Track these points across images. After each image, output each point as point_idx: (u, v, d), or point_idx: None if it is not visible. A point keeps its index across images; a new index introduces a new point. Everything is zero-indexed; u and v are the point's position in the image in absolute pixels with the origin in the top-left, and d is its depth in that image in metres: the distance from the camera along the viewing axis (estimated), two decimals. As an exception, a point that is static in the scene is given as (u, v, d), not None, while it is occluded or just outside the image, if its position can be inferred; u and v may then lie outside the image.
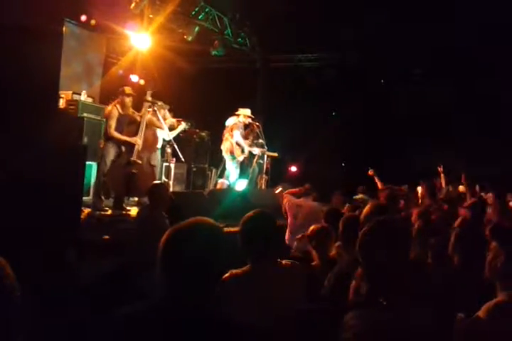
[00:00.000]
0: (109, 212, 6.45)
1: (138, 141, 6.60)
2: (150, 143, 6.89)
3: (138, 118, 6.77)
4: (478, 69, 10.99)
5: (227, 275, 2.28)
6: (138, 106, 7.05)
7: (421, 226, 3.29)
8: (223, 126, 9.14)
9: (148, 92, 6.93)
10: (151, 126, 7.58)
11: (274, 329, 2.12)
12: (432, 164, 8.98)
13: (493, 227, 3.33)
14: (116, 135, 6.55)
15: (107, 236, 4.36)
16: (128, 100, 6.71)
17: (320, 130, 12.34)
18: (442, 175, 8.15)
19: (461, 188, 7.87)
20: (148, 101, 6.85)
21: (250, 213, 2.52)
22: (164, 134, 7.78)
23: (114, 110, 6.60)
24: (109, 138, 6.56)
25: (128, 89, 6.78)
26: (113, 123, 6.52)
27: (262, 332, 1.55)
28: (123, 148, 6.60)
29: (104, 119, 6.80)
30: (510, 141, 10.90)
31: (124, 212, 6.44)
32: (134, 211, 6.18)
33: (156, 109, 7.71)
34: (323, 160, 12.30)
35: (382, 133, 12.56)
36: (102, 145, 6.67)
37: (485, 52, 10.40)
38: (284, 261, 2.46)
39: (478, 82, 11.30)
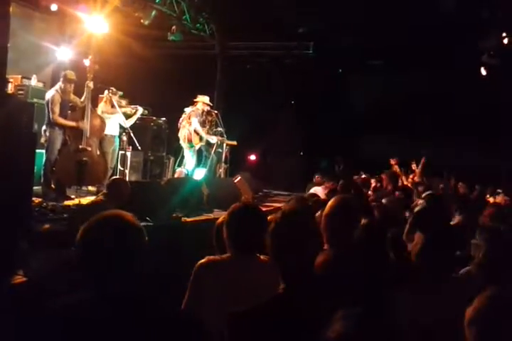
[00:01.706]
0: (69, 201, 6.23)
1: (85, 125, 6.38)
2: (98, 129, 6.69)
3: (79, 104, 6.54)
4: (437, 61, 11.23)
5: (204, 260, 2.32)
6: (93, 92, 6.85)
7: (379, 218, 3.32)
8: (181, 114, 8.99)
9: (89, 76, 6.67)
10: (105, 113, 7.38)
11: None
12: (386, 153, 9.17)
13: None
14: (61, 121, 6.33)
15: (47, 226, 4.20)
16: (69, 86, 6.47)
17: (279, 118, 12.35)
18: (396, 166, 8.35)
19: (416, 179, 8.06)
20: (89, 87, 6.60)
21: (238, 204, 2.50)
22: (121, 121, 7.58)
23: (56, 95, 6.35)
24: (53, 124, 6.31)
25: (70, 74, 6.52)
26: (56, 108, 6.30)
27: (195, 324, 1.54)
28: (68, 136, 6.38)
29: (46, 104, 6.51)
30: (466, 133, 11.26)
31: (69, 202, 6.22)
32: (84, 200, 5.96)
33: (110, 95, 7.51)
34: (282, 149, 12.35)
35: (339, 122, 12.71)
36: (47, 133, 6.40)
37: (445, 43, 10.62)
38: (262, 256, 2.44)
39: (435, 73, 11.57)
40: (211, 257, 2.37)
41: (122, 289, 1.46)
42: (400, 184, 7.68)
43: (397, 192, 6.21)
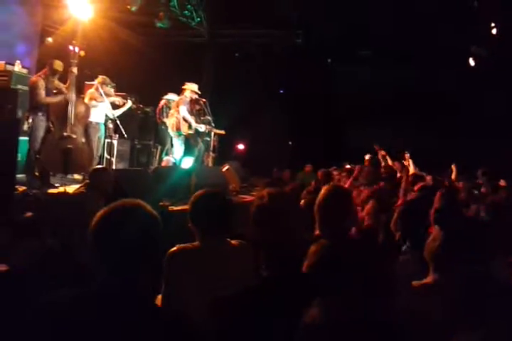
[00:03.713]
0: (53, 189, 6.14)
1: (70, 111, 6.27)
2: (82, 115, 6.58)
3: (64, 90, 6.41)
4: (425, 51, 11.21)
5: (174, 248, 2.31)
6: (80, 79, 6.73)
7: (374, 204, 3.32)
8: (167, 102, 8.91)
9: (73, 62, 6.52)
10: (93, 100, 7.26)
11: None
12: (371, 143, 9.16)
13: (438, 211, 3.38)
14: (49, 99, 6.21)
15: (29, 214, 4.13)
16: (53, 75, 6.32)
17: (267, 108, 12.28)
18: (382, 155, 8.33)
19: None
20: (73, 72, 6.47)
21: (200, 191, 2.50)
22: (107, 110, 7.46)
23: (40, 81, 6.22)
24: (38, 110, 6.18)
25: (57, 65, 6.36)
26: (42, 91, 6.15)
27: (196, 325, 1.47)
28: (52, 123, 6.26)
29: (29, 90, 6.37)
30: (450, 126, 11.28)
31: (54, 190, 6.13)
32: (69, 189, 5.87)
33: (98, 84, 7.39)
34: (271, 139, 12.30)
35: (327, 112, 12.68)
36: (29, 120, 6.26)
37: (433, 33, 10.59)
38: (233, 241, 2.46)
39: (424, 64, 11.56)
40: (181, 245, 2.35)
41: (132, 284, 1.38)
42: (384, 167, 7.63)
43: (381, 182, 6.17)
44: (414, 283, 2.02)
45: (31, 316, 1.38)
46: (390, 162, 8.01)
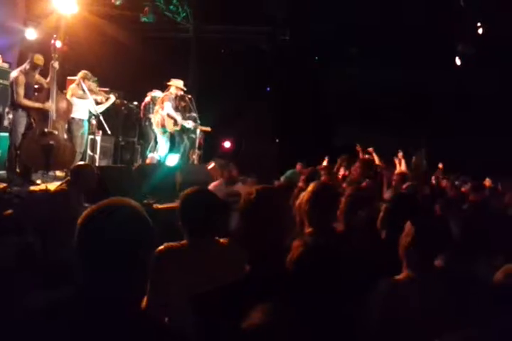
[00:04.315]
0: (34, 186, 5.99)
1: (51, 106, 6.13)
2: (64, 111, 6.44)
3: (45, 84, 6.27)
4: (413, 49, 11.24)
5: (161, 247, 2.26)
6: (63, 74, 6.59)
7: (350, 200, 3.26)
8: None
9: (54, 56, 6.38)
10: (75, 96, 7.12)
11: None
12: (360, 141, 9.15)
13: (413, 207, 3.36)
14: (27, 102, 6.07)
15: (10, 211, 4.02)
16: (34, 69, 6.18)
17: (254, 105, 12.20)
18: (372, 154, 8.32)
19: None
20: (54, 67, 6.33)
21: (189, 190, 2.46)
22: (90, 106, 7.32)
23: (20, 76, 6.07)
24: (17, 106, 6.05)
25: (37, 59, 6.22)
26: (21, 90, 6.02)
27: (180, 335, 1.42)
28: (33, 118, 6.11)
29: (10, 86, 6.22)
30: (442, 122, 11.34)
31: (35, 187, 5.99)
32: (51, 186, 5.73)
33: (81, 79, 7.24)
34: (257, 136, 12.23)
35: (315, 110, 12.65)
36: (9, 115, 6.12)
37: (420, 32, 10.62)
38: (222, 239, 2.43)
39: (411, 63, 11.59)
40: (169, 244, 2.33)
41: (118, 287, 1.32)
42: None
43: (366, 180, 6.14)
44: (386, 279, 2.02)
45: (8, 322, 1.31)
46: (377, 160, 8.00)
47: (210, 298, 1.68)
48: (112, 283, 1.31)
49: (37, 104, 6.14)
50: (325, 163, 8.48)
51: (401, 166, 7.89)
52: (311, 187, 3.03)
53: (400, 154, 8.08)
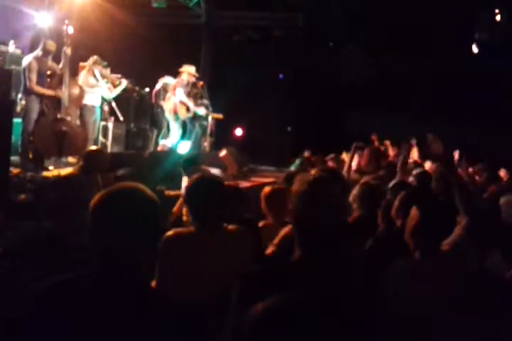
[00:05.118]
0: (47, 172, 6.03)
1: (64, 93, 6.13)
2: (77, 98, 6.45)
3: (58, 71, 6.27)
4: (424, 37, 11.04)
5: (170, 232, 2.28)
6: (75, 60, 6.58)
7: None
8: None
9: (67, 42, 6.36)
10: (87, 82, 7.11)
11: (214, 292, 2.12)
12: (374, 129, 9.07)
13: (415, 191, 3.35)
14: (39, 89, 6.07)
15: (24, 196, 4.06)
16: (46, 55, 6.17)
17: (266, 92, 12.12)
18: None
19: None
20: (67, 53, 6.32)
21: (197, 175, 2.47)
22: (103, 92, 7.32)
23: (33, 62, 6.07)
24: (30, 92, 6.05)
25: (50, 45, 6.21)
26: (33, 76, 6.02)
27: (193, 312, 1.43)
28: (45, 105, 6.13)
29: (22, 72, 6.23)
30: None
31: (48, 173, 6.03)
32: (63, 172, 5.77)
33: (92, 64, 7.23)
34: (269, 124, 12.17)
35: (328, 97, 12.53)
36: (22, 101, 6.14)
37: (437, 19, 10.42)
38: (229, 226, 2.43)
39: (424, 50, 11.40)
40: (177, 229, 2.34)
41: (131, 269, 1.35)
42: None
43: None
44: (394, 264, 2.06)
45: (28, 303, 1.35)
46: (391, 153, 7.95)
47: (259, 277, 1.68)
48: (124, 262, 1.35)
49: (49, 92, 6.14)
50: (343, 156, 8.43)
51: (414, 154, 7.82)
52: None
53: (414, 142, 8.00)
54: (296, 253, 1.69)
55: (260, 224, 3.59)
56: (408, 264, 2.09)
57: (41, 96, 6.13)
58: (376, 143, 8.55)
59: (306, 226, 1.68)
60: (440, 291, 1.90)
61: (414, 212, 2.15)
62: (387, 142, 8.27)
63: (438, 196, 3.86)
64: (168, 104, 8.32)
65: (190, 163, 4.86)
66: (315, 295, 1.37)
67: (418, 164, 7.13)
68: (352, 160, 5.41)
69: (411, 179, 4.78)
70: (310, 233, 1.66)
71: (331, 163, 6.46)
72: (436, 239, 2.12)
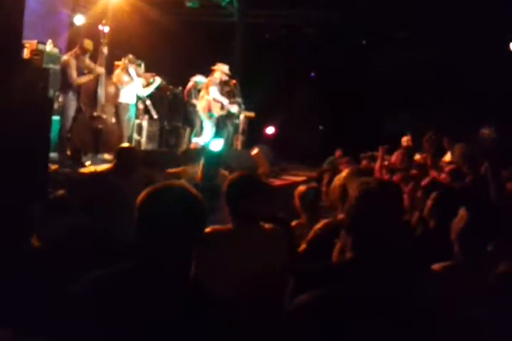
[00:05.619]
0: (83, 169, 6.17)
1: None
2: (112, 96, 6.58)
3: (94, 69, 6.41)
4: (464, 35, 10.79)
5: (209, 229, 2.29)
6: (110, 58, 6.72)
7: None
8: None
9: (103, 42, 6.49)
10: (121, 80, 7.22)
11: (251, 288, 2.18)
12: (409, 130, 8.92)
13: (463, 193, 3.28)
14: (82, 80, 6.28)
15: (62, 191, 4.14)
16: (83, 54, 6.32)
17: (298, 91, 12.06)
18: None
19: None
20: (103, 53, 6.46)
21: (235, 174, 2.52)
22: (137, 90, 7.42)
23: (71, 59, 6.23)
24: (68, 90, 6.19)
25: (87, 44, 6.35)
26: (74, 72, 6.20)
27: (233, 304, 1.49)
28: (82, 102, 6.28)
29: (61, 70, 6.39)
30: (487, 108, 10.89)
31: (85, 169, 6.15)
32: (100, 168, 5.88)
33: (126, 62, 7.34)
34: (301, 123, 12.12)
35: (361, 96, 12.37)
36: (59, 99, 6.31)
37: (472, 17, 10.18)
38: (266, 225, 2.45)
39: (462, 48, 11.13)
40: (215, 226, 2.36)
41: (175, 261, 1.40)
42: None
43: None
44: (435, 266, 2.02)
45: (75, 293, 1.39)
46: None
47: (313, 275, 1.68)
48: (168, 256, 1.39)
49: (87, 76, 6.34)
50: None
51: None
52: (344, 172, 3.01)
53: (446, 141, 7.80)
54: (347, 254, 1.67)
55: (293, 223, 3.60)
56: (455, 266, 2.05)
57: (78, 94, 6.27)
58: (409, 144, 8.39)
59: (366, 231, 1.65)
60: (489, 292, 1.88)
61: (462, 213, 2.11)
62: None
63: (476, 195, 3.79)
64: (201, 103, 8.38)
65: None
66: (364, 290, 1.36)
67: (450, 162, 6.99)
68: (383, 161, 5.36)
69: (443, 176, 4.69)
70: (369, 237, 1.63)
71: (365, 162, 6.40)
72: (484, 241, 2.08)
